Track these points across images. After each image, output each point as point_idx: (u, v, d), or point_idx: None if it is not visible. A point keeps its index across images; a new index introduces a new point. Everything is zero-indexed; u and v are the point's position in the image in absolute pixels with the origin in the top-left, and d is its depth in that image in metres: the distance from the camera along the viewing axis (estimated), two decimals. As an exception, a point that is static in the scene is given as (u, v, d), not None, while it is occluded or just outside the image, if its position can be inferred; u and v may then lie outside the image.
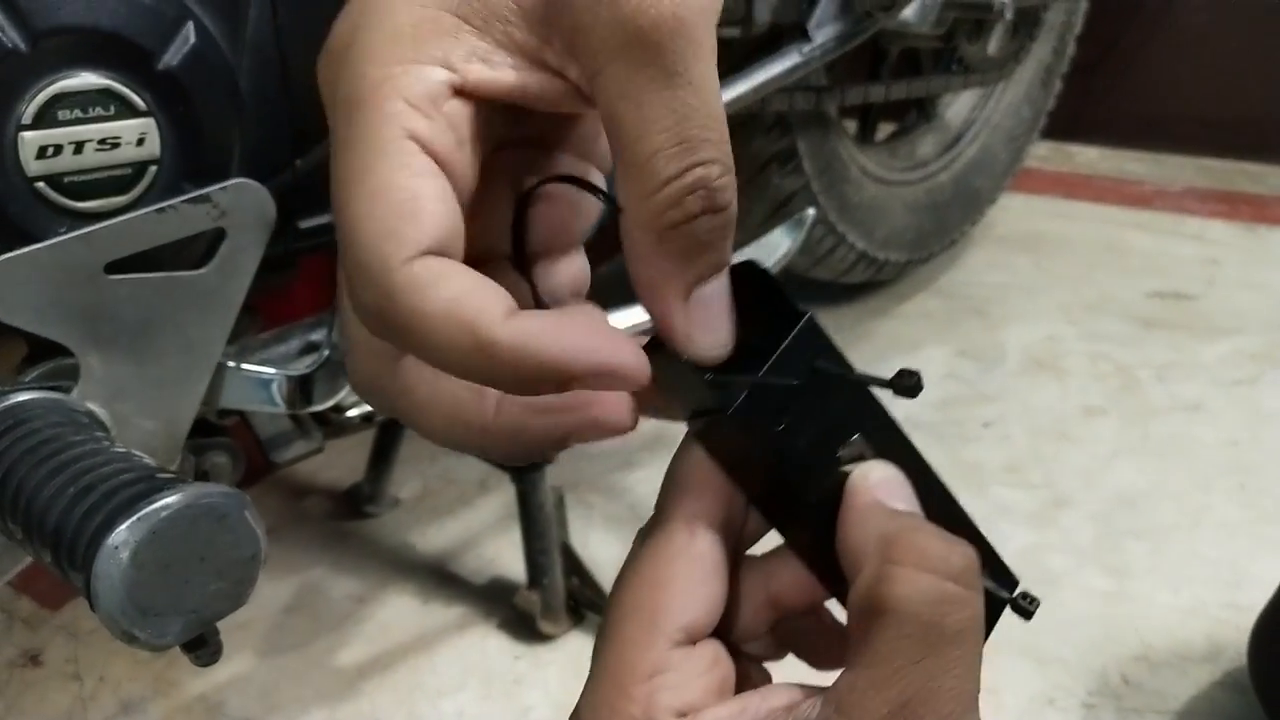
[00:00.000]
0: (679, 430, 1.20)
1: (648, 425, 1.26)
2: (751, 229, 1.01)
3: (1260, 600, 0.90)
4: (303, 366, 0.66)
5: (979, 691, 0.27)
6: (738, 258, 0.31)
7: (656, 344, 0.30)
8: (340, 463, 1.39)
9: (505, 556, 1.18)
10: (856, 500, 0.30)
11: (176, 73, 0.58)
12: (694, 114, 0.25)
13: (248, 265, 0.60)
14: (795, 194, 1.35)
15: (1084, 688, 0.98)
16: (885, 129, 1.72)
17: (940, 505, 0.32)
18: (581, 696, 0.30)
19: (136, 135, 0.57)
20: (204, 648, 0.42)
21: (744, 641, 0.33)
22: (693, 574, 0.30)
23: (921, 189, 1.63)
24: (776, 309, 0.31)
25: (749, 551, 0.34)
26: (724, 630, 0.32)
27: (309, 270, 1.01)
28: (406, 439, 1.27)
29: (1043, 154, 2.25)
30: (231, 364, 0.64)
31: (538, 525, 1.01)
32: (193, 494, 0.40)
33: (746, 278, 0.31)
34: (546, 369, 0.25)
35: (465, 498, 1.31)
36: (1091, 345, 1.58)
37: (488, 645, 1.06)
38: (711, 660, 0.29)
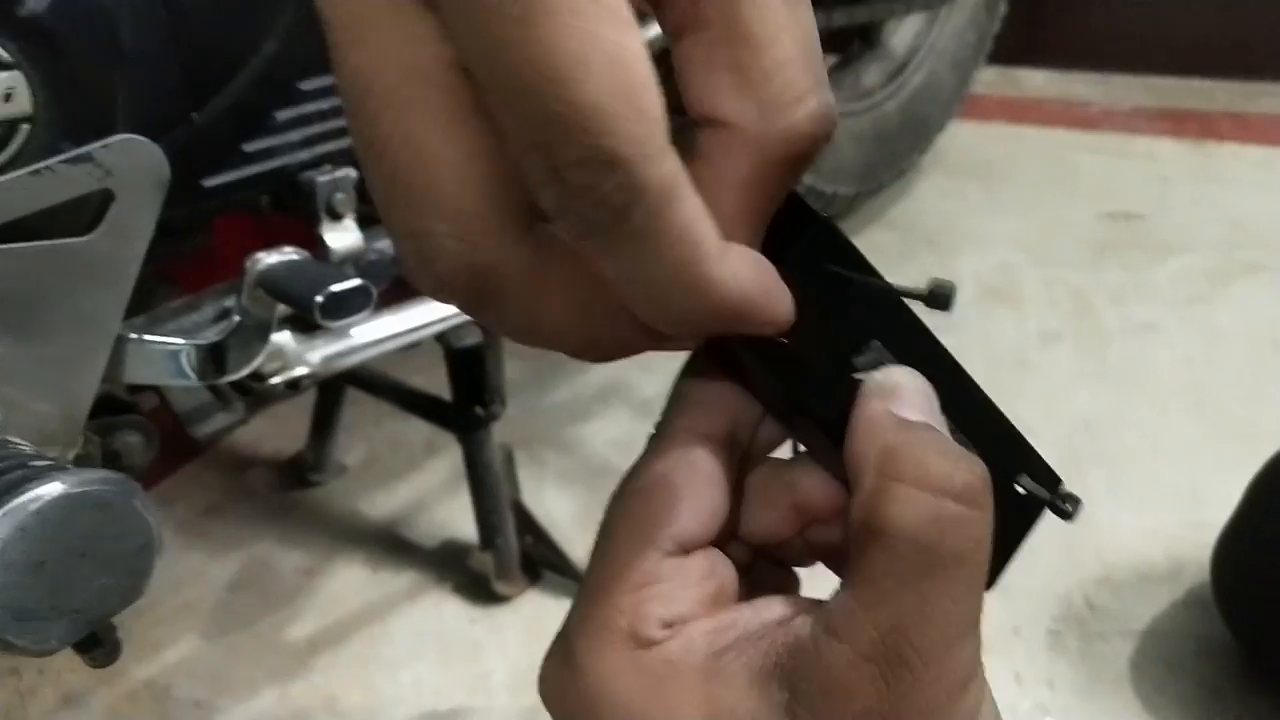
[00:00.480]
0: (633, 380, 1.17)
1: (599, 375, 1.22)
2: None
3: (1220, 517, 0.89)
4: (213, 335, 0.61)
5: (980, 613, 0.26)
6: None
7: None
8: (282, 432, 1.34)
9: (457, 519, 1.15)
10: (865, 409, 0.27)
11: (43, 18, 0.53)
12: (813, 31, 0.23)
13: (141, 229, 0.56)
14: (738, 130, 1.31)
15: (1049, 614, 0.97)
16: (828, 60, 1.68)
17: (973, 412, 0.31)
18: (570, 610, 0.29)
19: (2, 91, 0.52)
20: (98, 647, 0.38)
21: (769, 546, 0.31)
22: (686, 484, 0.28)
23: (868, 119, 1.59)
24: (797, 216, 0.28)
25: (774, 454, 0.32)
26: (743, 535, 0.30)
27: (232, 233, 0.96)
28: (349, 403, 1.22)
29: (990, 80, 2.21)
30: (134, 336, 0.60)
31: (486, 485, 0.98)
32: (68, 483, 0.36)
33: None
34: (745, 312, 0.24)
35: (413, 461, 1.27)
36: (1045, 271, 1.56)
37: (443, 611, 1.03)
38: (706, 571, 0.28)
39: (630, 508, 0.28)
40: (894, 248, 1.67)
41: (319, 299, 0.57)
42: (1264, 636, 0.85)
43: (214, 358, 0.61)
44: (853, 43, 1.67)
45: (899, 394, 0.27)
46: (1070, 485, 1.01)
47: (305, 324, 0.81)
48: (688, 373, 0.30)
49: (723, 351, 0.29)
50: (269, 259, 0.61)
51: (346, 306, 0.58)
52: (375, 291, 0.61)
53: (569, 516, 1.14)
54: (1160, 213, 1.72)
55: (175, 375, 0.61)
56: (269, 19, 0.65)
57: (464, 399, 0.94)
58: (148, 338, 0.60)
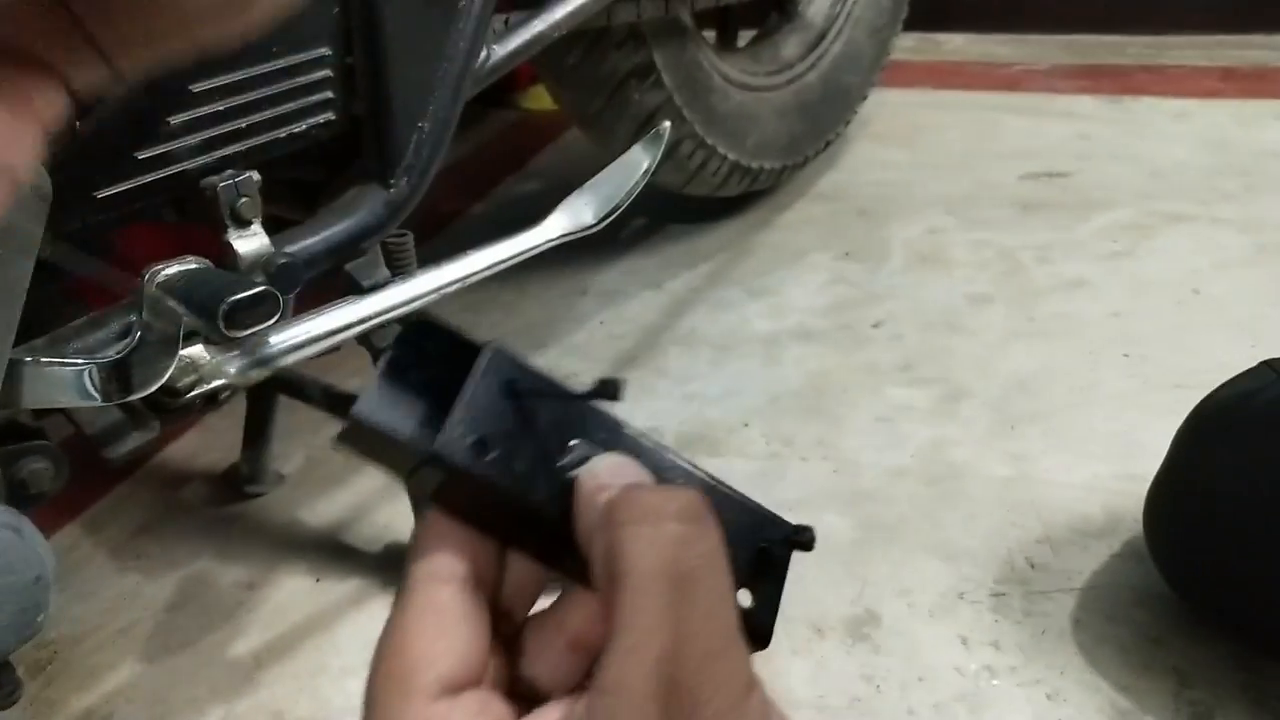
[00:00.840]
0: (570, 368, 1.15)
1: (538, 364, 1.21)
2: (616, 150, 0.96)
3: (1152, 468, 0.91)
4: (114, 352, 0.59)
5: (736, 620, 0.26)
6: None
7: (354, 424, 0.30)
8: (218, 444, 1.31)
9: (398, 522, 1.13)
10: (582, 493, 0.29)
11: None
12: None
13: (23, 248, 0.53)
14: (658, 109, 1.30)
15: (991, 577, 0.98)
16: (746, 35, 1.67)
17: (681, 479, 0.32)
18: None
19: None
20: (-7, 690, 0.37)
21: (561, 691, 0.31)
22: (437, 628, 0.28)
23: (789, 92, 1.59)
24: (464, 350, 0.31)
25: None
26: (532, 685, 0.31)
27: (142, 250, 0.93)
28: (285, 410, 1.20)
29: (910, 45, 2.22)
30: (29, 360, 0.58)
31: (423, 486, 0.96)
32: (-52, 520, 0.35)
33: (427, 333, 0.32)
34: None
35: (352, 465, 1.25)
36: (972, 234, 1.58)
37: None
38: (478, 709, 0.28)
39: (388, 665, 0.28)
40: (826, 220, 1.67)
41: (222, 309, 0.55)
42: (1197, 584, 0.87)
43: (118, 376, 0.58)
44: (769, 15, 1.66)
45: (610, 470, 0.29)
46: (1006, 446, 1.04)
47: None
48: (421, 524, 0.31)
49: (440, 494, 0.30)
50: (168, 269, 0.58)
51: (253, 315, 0.57)
52: (283, 298, 0.59)
53: (512, 510, 1.13)
54: (1082, 169, 1.74)
55: (79, 396, 0.58)
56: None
57: (394, 400, 0.92)
58: (44, 360, 0.58)
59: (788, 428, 1.20)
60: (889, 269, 1.51)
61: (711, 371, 1.33)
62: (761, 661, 0.92)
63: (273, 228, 0.74)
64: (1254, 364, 0.87)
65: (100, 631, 1.03)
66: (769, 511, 0.34)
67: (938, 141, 1.91)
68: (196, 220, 0.73)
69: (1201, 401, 0.89)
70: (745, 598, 0.33)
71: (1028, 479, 1.09)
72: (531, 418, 0.30)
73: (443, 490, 0.30)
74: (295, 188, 0.90)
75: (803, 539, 0.34)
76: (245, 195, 0.70)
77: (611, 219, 0.90)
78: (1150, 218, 1.58)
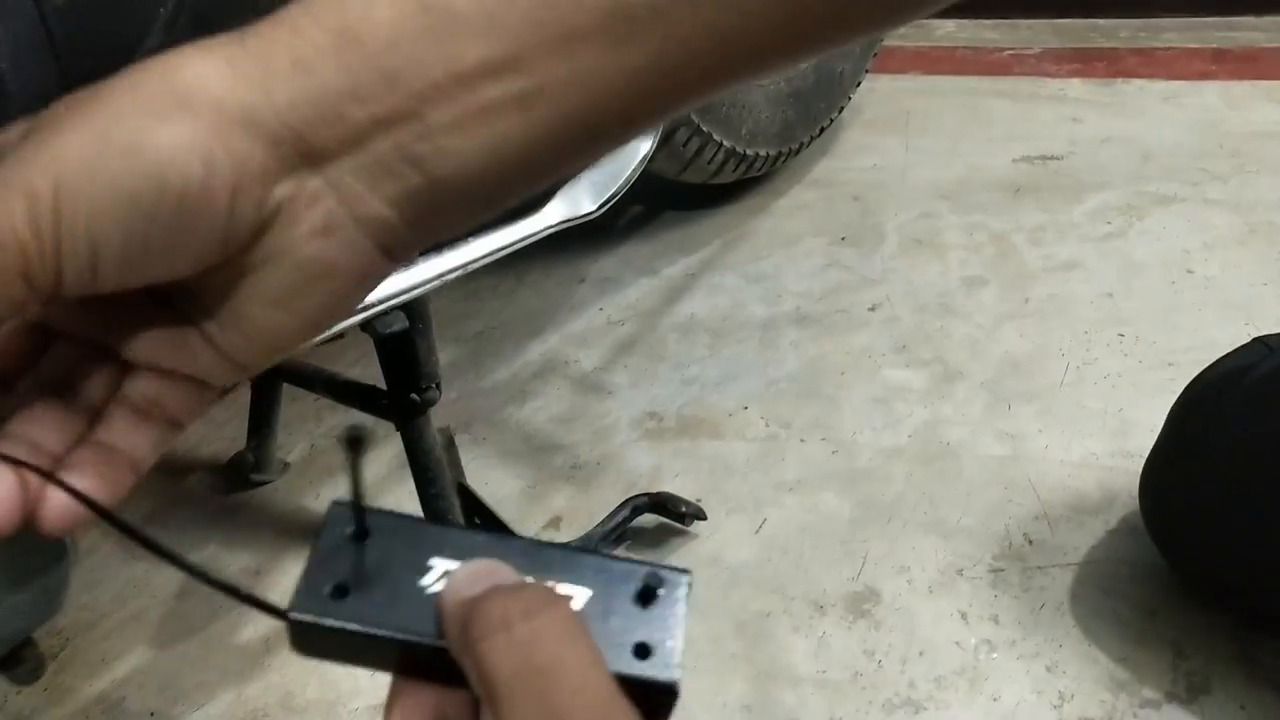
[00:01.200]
0: (570, 355, 1.16)
1: (537, 353, 1.22)
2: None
3: (1147, 445, 0.92)
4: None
5: (609, 685, 0.26)
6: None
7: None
8: (221, 434, 1.32)
9: (404, 506, 1.13)
10: (445, 609, 0.29)
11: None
12: None
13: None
14: (655, 97, 1.31)
15: (989, 553, 1.00)
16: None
17: (545, 553, 0.32)
18: None
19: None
20: (21, 665, 0.38)
21: None
22: None
23: (782, 79, 1.60)
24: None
25: None
26: None
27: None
28: (287, 400, 1.21)
29: (901, 31, 2.23)
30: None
31: (429, 470, 0.97)
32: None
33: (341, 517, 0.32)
34: None
35: (355, 453, 1.26)
36: (966, 217, 1.59)
37: (395, 600, 1.03)
38: None
39: None
40: (820, 205, 1.68)
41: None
42: (1192, 557, 0.89)
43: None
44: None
45: (461, 584, 0.29)
46: (1001, 425, 1.06)
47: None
48: (391, 692, 0.32)
49: (342, 653, 0.31)
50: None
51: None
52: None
53: (515, 494, 1.14)
54: (1074, 152, 1.76)
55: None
56: (148, 15, 0.64)
57: (398, 386, 0.93)
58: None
59: (786, 410, 1.22)
60: (884, 253, 1.53)
61: (710, 356, 1.34)
62: (763, 639, 0.93)
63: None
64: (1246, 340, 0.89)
65: (110, 618, 1.04)
66: (651, 564, 0.33)
67: (930, 127, 1.92)
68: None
69: (1195, 378, 0.90)
70: (631, 658, 0.31)
71: (1023, 457, 1.11)
72: (387, 553, 0.31)
73: (323, 647, 0.30)
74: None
75: (682, 575, 0.33)
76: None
77: (609, 205, 0.91)
78: (1142, 199, 1.59)
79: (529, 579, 0.31)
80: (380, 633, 0.29)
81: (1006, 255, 1.48)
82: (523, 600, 0.26)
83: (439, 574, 0.30)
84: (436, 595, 0.30)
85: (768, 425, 1.20)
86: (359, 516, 0.30)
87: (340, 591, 0.29)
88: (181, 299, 0.32)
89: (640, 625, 0.31)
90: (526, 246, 0.91)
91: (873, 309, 1.39)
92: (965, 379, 1.24)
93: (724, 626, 0.95)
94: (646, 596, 0.32)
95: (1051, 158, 1.75)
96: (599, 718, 0.25)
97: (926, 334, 1.32)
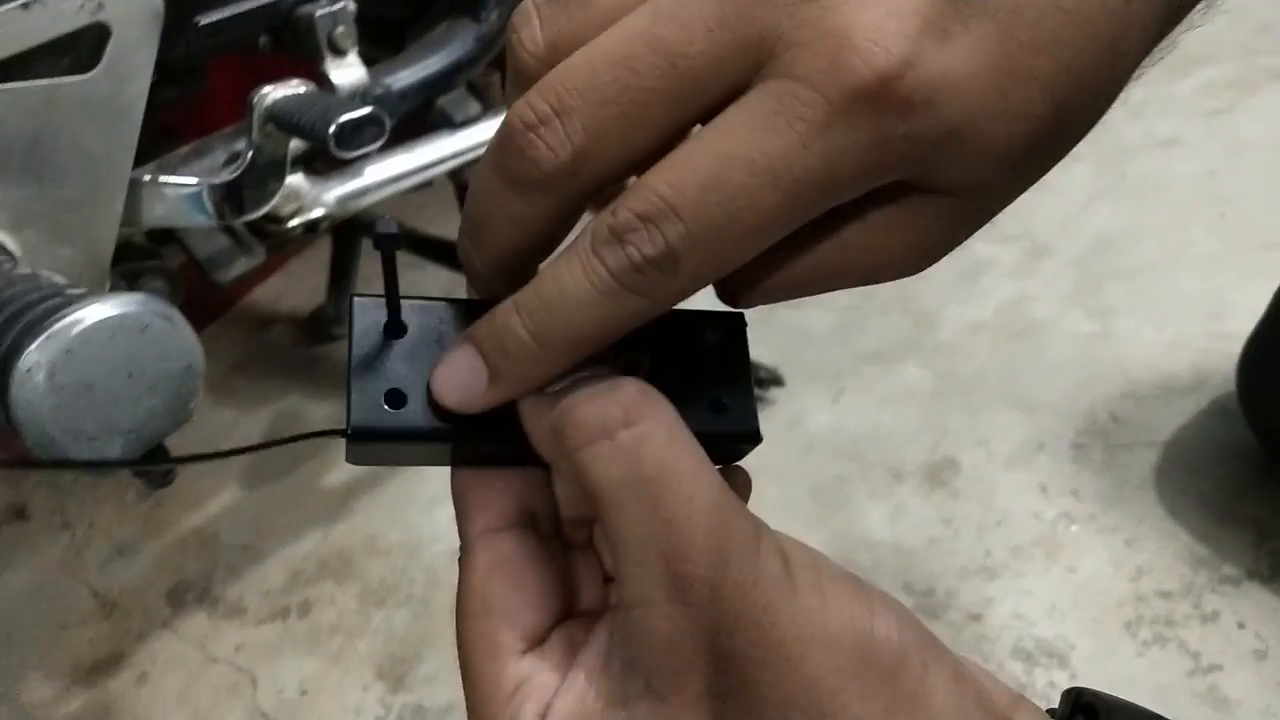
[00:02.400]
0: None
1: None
2: None
3: (1245, 328, 0.89)
4: (227, 175, 0.60)
5: (717, 486, 0.25)
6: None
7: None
8: (301, 288, 1.34)
9: (482, 364, 1.16)
10: (523, 408, 0.27)
11: None
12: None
13: (141, 66, 0.54)
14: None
15: (1073, 429, 0.98)
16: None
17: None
18: None
19: (-14, -80, 0.50)
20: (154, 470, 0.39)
21: None
22: (506, 582, 0.28)
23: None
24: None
25: None
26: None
27: (230, 87, 0.93)
28: (367, 255, 1.22)
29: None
30: (148, 179, 0.59)
31: (509, 327, 0.98)
32: (108, 306, 0.36)
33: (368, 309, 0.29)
34: None
35: (434, 310, 1.27)
36: (1064, 88, 1.52)
37: (474, 452, 1.05)
38: (564, 649, 0.28)
39: (471, 630, 0.28)
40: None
41: (332, 129, 0.56)
42: (1287, 436, 0.86)
43: (231, 196, 0.60)
44: None
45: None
46: (1090, 303, 1.02)
47: (320, 165, 0.80)
48: (455, 484, 0.30)
49: (415, 454, 0.30)
50: (276, 92, 0.59)
51: (360, 137, 0.57)
52: (388, 122, 0.60)
53: (592, 356, 1.15)
54: (1184, 22, 1.66)
55: (194, 216, 0.60)
56: None
57: (481, 240, 0.93)
58: (163, 179, 0.59)
59: (874, 287, 1.20)
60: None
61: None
62: (840, 503, 0.93)
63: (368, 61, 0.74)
64: (1365, 216, 0.84)
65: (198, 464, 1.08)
66: (705, 313, 0.31)
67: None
68: (292, 51, 0.73)
69: (1306, 254, 0.86)
70: (709, 415, 0.30)
71: (1112, 336, 1.08)
72: (423, 343, 0.28)
73: (380, 453, 0.29)
74: (380, 26, 0.89)
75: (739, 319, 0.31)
76: (342, 24, 0.70)
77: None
78: (1253, 74, 1.50)
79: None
80: (449, 426, 0.27)
81: (1103, 129, 1.41)
82: (620, 405, 0.25)
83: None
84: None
85: (849, 295, 1.18)
86: (394, 308, 0.28)
87: (394, 397, 0.28)
88: None
89: (709, 379, 0.30)
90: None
91: (960, 181, 1.35)
92: (1054, 255, 1.21)
93: (800, 489, 0.96)
94: (708, 348, 0.30)
95: (1159, 27, 1.65)
96: (712, 524, 0.24)
97: (1015, 208, 1.25)
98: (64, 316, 0.35)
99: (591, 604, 0.31)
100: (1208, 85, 1.49)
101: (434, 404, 0.28)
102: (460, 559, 0.30)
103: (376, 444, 0.28)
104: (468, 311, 0.29)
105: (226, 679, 0.88)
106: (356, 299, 0.29)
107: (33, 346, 0.35)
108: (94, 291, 0.39)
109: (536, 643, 0.28)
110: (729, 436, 0.30)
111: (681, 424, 0.25)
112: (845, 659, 0.23)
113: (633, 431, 0.24)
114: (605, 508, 0.25)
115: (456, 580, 0.29)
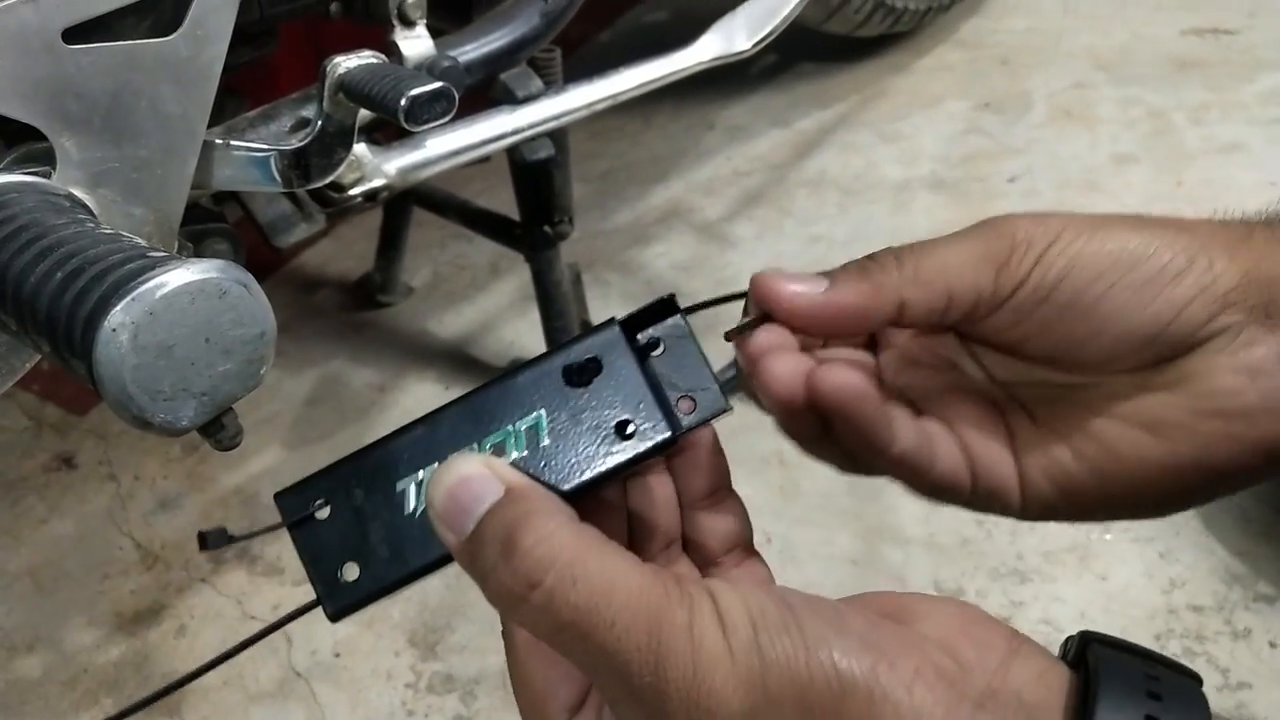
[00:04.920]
0: (695, 203, 1.14)
1: (661, 198, 1.22)
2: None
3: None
4: (295, 141, 0.61)
5: (626, 575, 0.27)
6: None
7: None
8: (349, 253, 1.36)
9: (524, 338, 1.17)
10: (459, 560, 0.30)
11: None
12: None
13: (220, 30, 0.55)
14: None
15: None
16: None
17: (481, 415, 0.33)
18: None
19: (76, -119, 0.50)
20: (222, 431, 0.40)
21: (721, 545, 0.35)
22: (541, 661, 0.32)
23: (943, -73, 1.50)
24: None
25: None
26: (696, 549, 0.36)
27: (290, 48, 0.94)
28: (415, 225, 1.23)
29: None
30: (220, 142, 0.60)
31: (556, 302, 0.99)
32: (190, 271, 0.37)
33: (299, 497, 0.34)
34: None
35: (478, 282, 1.28)
36: (1122, 90, 1.50)
37: (514, 425, 1.06)
38: (596, 712, 0.31)
39: (521, 699, 0.32)
40: (964, 67, 1.60)
41: (403, 102, 0.56)
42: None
43: (298, 164, 0.60)
44: None
45: (442, 520, 0.30)
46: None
47: (380, 136, 0.81)
48: None
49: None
50: (348, 62, 0.59)
51: (431, 110, 0.58)
52: (457, 96, 0.60)
53: (634, 337, 1.15)
54: (1252, 26, 1.63)
55: (262, 181, 0.61)
56: None
57: (532, 217, 0.94)
58: (234, 143, 0.60)
59: (914, 276, 1.19)
60: (1029, 122, 1.46)
61: (838, 214, 1.31)
62: (874, 497, 0.93)
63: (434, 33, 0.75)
64: None
65: (245, 419, 1.09)
66: (573, 340, 0.33)
67: (1091, -10, 1.79)
68: (361, 20, 0.73)
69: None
70: (619, 440, 0.32)
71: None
72: (357, 510, 0.32)
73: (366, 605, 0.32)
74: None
75: (664, 309, 0.33)
76: (412, -6, 0.71)
77: (764, 44, 0.88)
78: (1320, 84, 1.48)
79: (487, 446, 0.31)
80: (409, 573, 0.31)
81: (1163, 133, 1.40)
82: (517, 573, 0.27)
83: (413, 494, 0.32)
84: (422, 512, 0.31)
85: (893, 289, 1.18)
86: (308, 495, 0.32)
87: (353, 570, 0.31)
88: (1019, 405, 0.35)
89: (605, 404, 0.32)
90: (655, 89, 0.88)
91: (1012, 180, 1.34)
92: (1105, 259, 1.19)
93: (836, 483, 0.96)
94: (587, 373, 0.32)
95: (1226, 31, 1.62)
96: (642, 632, 0.26)
97: (1067, 209, 1.26)
98: (149, 279, 0.36)
99: None
100: (1275, 91, 1.46)
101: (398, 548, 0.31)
102: (503, 634, 0.33)
103: (355, 608, 0.32)
104: (376, 462, 0.32)
105: (263, 634, 0.90)
106: (278, 496, 0.33)
107: (118, 307, 0.36)
108: (175, 255, 0.39)
109: (575, 710, 0.31)
110: (647, 452, 0.32)
111: (585, 548, 0.27)
112: (790, 714, 0.25)
113: (540, 592, 0.27)
114: (552, 648, 0.28)
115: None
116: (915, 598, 0.29)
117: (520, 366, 0.33)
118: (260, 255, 0.89)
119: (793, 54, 1.65)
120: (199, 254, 0.63)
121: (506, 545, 0.27)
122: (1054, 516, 0.35)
